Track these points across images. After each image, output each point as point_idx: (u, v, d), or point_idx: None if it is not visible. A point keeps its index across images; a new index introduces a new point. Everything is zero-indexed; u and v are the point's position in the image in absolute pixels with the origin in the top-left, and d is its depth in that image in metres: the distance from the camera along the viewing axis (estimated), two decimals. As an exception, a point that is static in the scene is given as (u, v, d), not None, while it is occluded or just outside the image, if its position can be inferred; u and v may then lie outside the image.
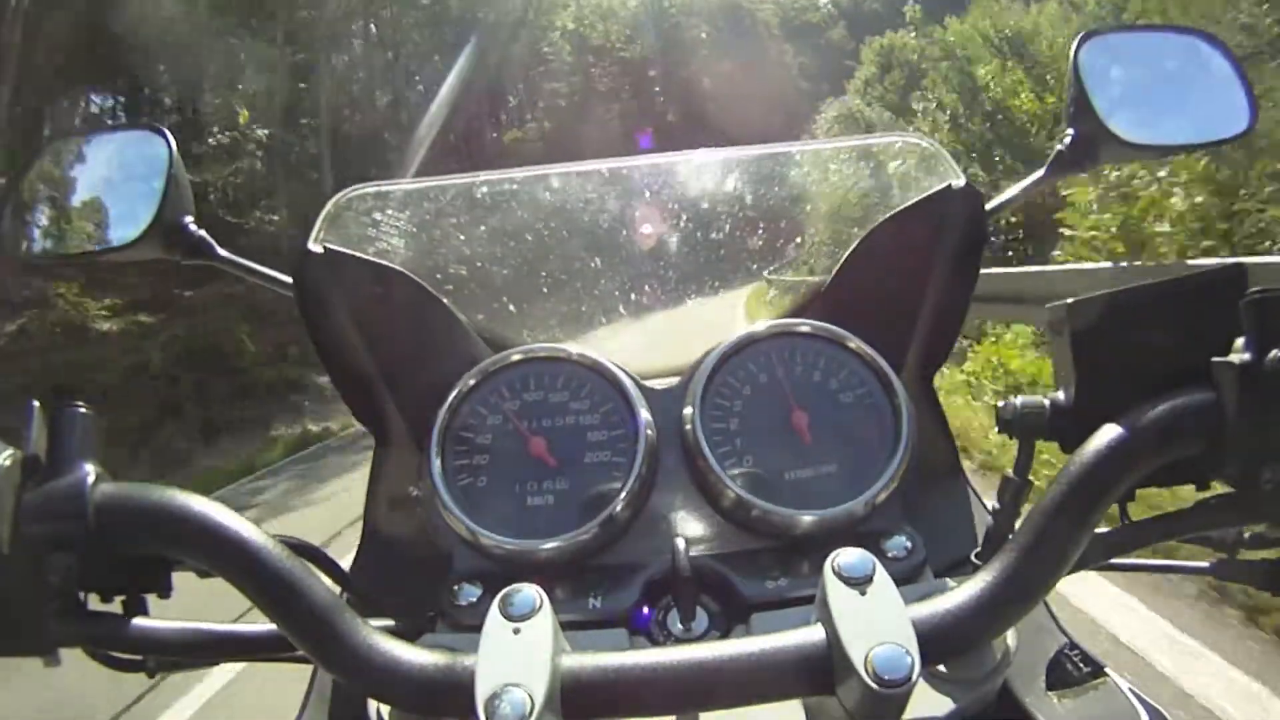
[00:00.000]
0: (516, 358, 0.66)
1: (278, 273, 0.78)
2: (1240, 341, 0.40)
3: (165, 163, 0.73)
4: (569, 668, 0.39)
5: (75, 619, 0.40)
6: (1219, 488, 0.45)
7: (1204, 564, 0.50)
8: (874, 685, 0.37)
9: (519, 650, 0.39)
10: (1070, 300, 0.44)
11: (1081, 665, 0.54)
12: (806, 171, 0.89)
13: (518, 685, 0.37)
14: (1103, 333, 0.44)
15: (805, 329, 0.65)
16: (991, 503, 0.54)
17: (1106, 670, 0.56)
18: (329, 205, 0.73)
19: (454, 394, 0.64)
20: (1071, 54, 0.74)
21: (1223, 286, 0.42)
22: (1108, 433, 0.40)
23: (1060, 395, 0.46)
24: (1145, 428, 0.40)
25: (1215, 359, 0.41)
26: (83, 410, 0.41)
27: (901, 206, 0.72)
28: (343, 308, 0.72)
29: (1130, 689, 0.60)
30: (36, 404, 0.40)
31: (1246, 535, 0.47)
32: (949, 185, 0.68)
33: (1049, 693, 0.54)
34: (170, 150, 0.73)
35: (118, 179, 0.82)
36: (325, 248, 0.67)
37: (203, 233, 0.74)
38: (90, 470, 0.39)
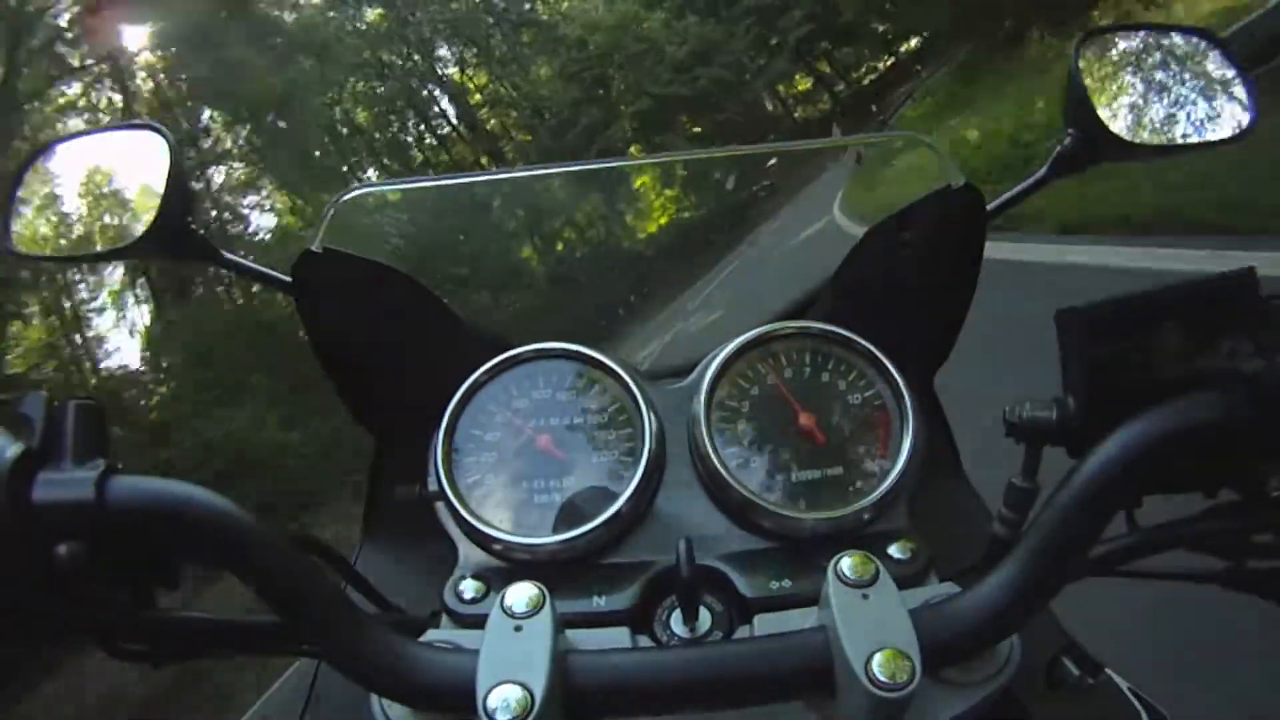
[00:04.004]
0: (525, 355, 0.66)
1: (278, 273, 0.78)
2: (1250, 347, 0.40)
3: (165, 162, 0.72)
4: (569, 666, 0.40)
5: (83, 609, 0.40)
6: (1228, 495, 0.45)
7: (1212, 572, 0.50)
8: (874, 689, 0.37)
9: (520, 647, 0.39)
10: (1080, 305, 0.44)
11: (1081, 665, 0.54)
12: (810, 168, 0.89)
13: (518, 682, 0.37)
14: (1111, 337, 0.44)
15: (815, 330, 0.65)
16: (997, 508, 0.54)
17: (1106, 670, 0.56)
18: (330, 205, 0.73)
19: (461, 390, 0.64)
20: (1071, 53, 0.74)
21: (1233, 291, 0.42)
22: (1115, 439, 0.40)
23: (1068, 400, 0.46)
24: (1153, 434, 0.40)
25: (1224, 365, 0.41)
26: (91, 402, 0.41)
27: (901, 206, 0.72)
28: (342, 307, 0.72)
29: (1130, 689, 0.60)
30: (45, 395, 0.40)
31: (1255, 543, 0.47)
32: (949, 185, 0.68)
33: (1049, 692, 0.54)
34: (171, 149, 0.73)
35: (118, 178, 0.82)
36: (325, 248, 0.67)
37: (203, 233, 0.74)
38: (100, 461, 0.39)
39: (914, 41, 30.42)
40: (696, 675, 0.40)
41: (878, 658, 0.37)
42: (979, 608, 0.40)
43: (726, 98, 31.77)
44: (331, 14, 29.98)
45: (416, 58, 32.92)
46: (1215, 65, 0.79)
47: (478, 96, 35.24)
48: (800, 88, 35.71)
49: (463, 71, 34.91)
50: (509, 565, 0.58)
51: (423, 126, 33.72)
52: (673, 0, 32.98)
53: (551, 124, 32.14)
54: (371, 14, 31.84)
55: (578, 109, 31.81)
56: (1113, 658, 0.58)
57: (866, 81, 33.27)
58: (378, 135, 31.89)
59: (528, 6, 35.43)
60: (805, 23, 29.41)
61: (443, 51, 34.29)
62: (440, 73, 34.17)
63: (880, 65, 33.60)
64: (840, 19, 27.70)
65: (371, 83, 30.69)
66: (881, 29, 31.32)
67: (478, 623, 0.45)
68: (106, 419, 0.42)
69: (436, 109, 34.19)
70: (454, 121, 34.17)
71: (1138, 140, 0.73)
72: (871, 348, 0.63)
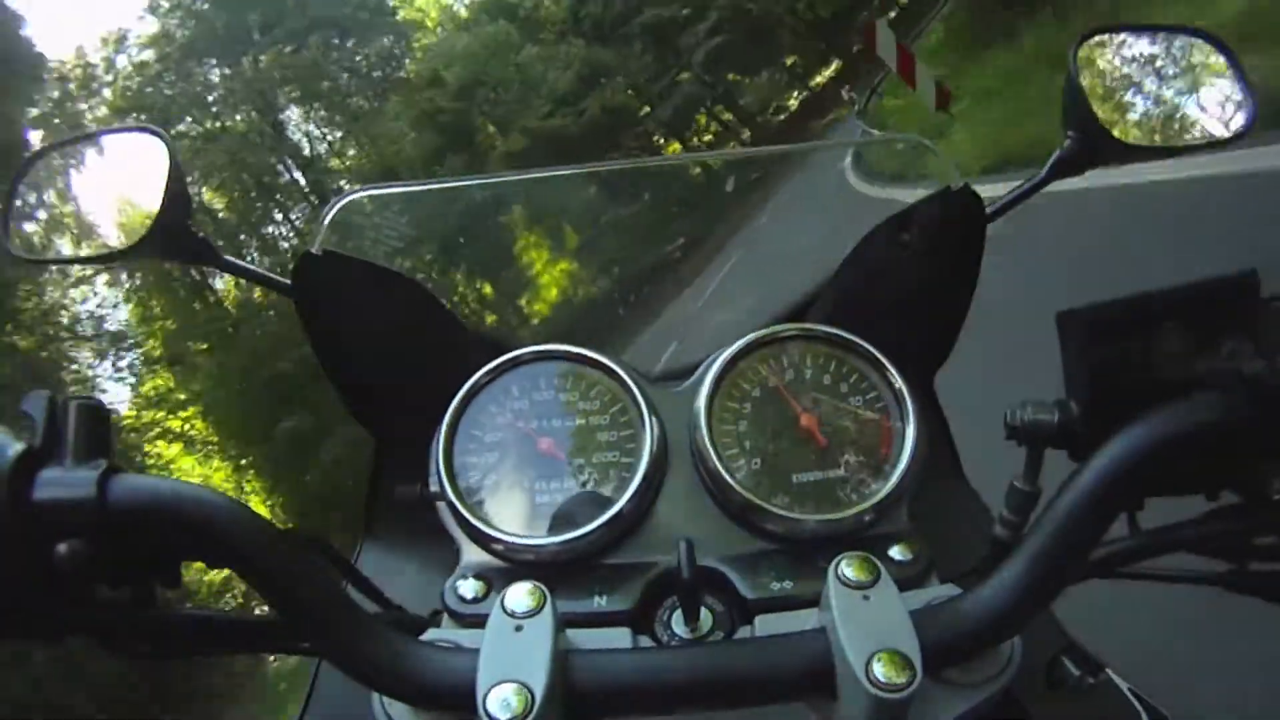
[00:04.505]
0: (526, 356, 0.66)
1: (277, 275, 0.78)
2: (1251, 348, 0.40)
3: (164, 164, 0.73)
4: (570, 665, 0.40)
5: (84, 607, 0.40)
6: (1229, 497, 0.45)
7: (1213, 574, 0.50)
8: (875, 690, 0.37)
9: (520, 647, 0.40)
10: (1080, 306, 0.44)
11: (1081, 665, 0.54)
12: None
13: (518, 682, 0.37)
14: (1113, 339, 0.44)
15: (816, 332, 0.66)
16: (998, 509, 0.54)
17: (1107, 670, 0.56)
18: (329, 208, 0.73)
19: (463, 391, 0.64)
20: (1070, 54, 0.74)
21: (1234, 292, 0.42)
22: (1117, 441, 0.40)
23: (1069, 402, 0.46)
24: (1155, 437, 0.40)
25: (1226, 366, 0.41)
26: (93, 402, 0.41)
27: (900, 208, 0.73)
28: (342, 310, 0.72)
29: (1130, 689, 0.60)
30: (47, 394, 0.40)
31: (1257, 545, 0.47)
32: (948, 187, 0.68)
33: (1049, 693, 0.54)
34: (170, 152, 0.73)
35: (116, 181, 0.82)
36: (324, 251, 0.68)
37: (203, 235, 0.74)
38: (101, 461, 0.39)
39: (829, 69, 27.54)
40: (697, 676, 0.40)
41: (878, 659, 0.37)
42: (980, 609, 0.40)
43: (623, 132, 26.46)
44: (169, 76, 25.85)
45: (257, 120, 27.72)
46: (1213, 65, 0.79)
47: (335, 161, 30.11)
48: (711, 132, 30.32)
49: (315, 133, 29.84)
50: (510, 565, 0.58)
51: (263, 203, 27.85)
52: (553, 23, 28.39)
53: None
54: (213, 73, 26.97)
55: (437, 159, 25.02)
56: (1113, 658, 0.58)
57: (782, 118, 29.12)
58: (238, 222, 26.67)
59: (396, 72, 30.25)
60: (712, 35, 24.57)
61: (293, 114, 29.24)
62: (287, 137, 29.00)
63: (792, 101, 29.99)
64: (752, 30, 24.17)
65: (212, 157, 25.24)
66: (790, 61, 28.32)
67: (478, 622, 0.45)
68: (109, 419, 0.42)
69: (287, 179, 28.72)
70: (307, 194, 28.43)
71: (1137, 141, 0.74)
72: (873, 349, 0.64)
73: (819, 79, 28.97)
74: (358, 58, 30.17)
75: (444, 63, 27.69)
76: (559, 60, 26.91)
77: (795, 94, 30.17)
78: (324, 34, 27.82)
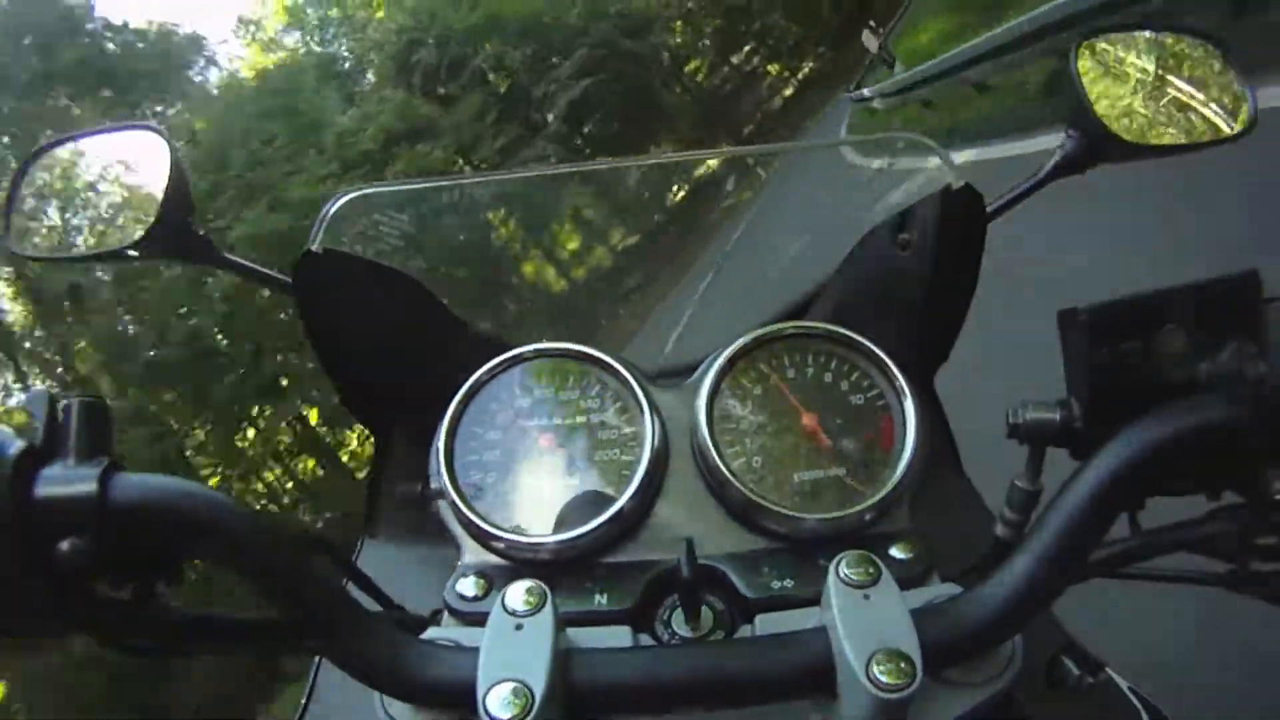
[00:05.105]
0: (527, 354, 0.66)
1: (278, 274, 0.78)
2: (1253, 349, 0.40)
3: (166, 162, 0.72)
4: (570, 664, 0.40)
5: (86, 605, 0.40)
6: (1230, 498, 0.45)
7: (1214, 574, 0.50)
8: (875, 690, 0.37)
9: (520, 646, 0.40)
10: (1082, 306, 0.44)
11: (1081, 664, 0.54)
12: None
13: (518, 680, 0.38)
14: (1115, 338, 0.44)
15: (817, 330, 0.66)
16: (999, 509, 0.54)
17: (1107, 670, 0.56)
18: (329, 206, 0.73)
19: (464, 389, 0.64)
20: (1070, 54, 0.74)
21: (1236, 293, 0.42)
22: (1118, 441, 0.40)
23: (1071, 402, 0.46)
24: (1156, 437, 0.40)
25: (1227, 367, 0.41)
26: (95, 401, 0.41)
27: (901, 207, 0.73)
28: (342, 308, 0.72)
29: (1130, 688, 0.60)
30: (48, 393, 0.40)
31: (1258, 545, 0.47)
32: (948, 186, 0.68)
33: (1049, 692, 0.54)
34: (171, 150, 0.73)
35: (118, 178, 0.82)
36: (325, 249, 0.68)
37: (204, 233, 0.74)
38: (103, 459, 0.39)
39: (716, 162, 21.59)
40: (697, 675, 0.40)
41: (879, 658, 0.38)
42: (981, 609, 0.40)
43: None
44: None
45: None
46: (1214, 65, 0.79)
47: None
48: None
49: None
50: (511, 564, 0.58)
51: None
52: (383, 69, 22.68)
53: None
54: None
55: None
56: (1113, 658, 0.58)
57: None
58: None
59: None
60: (579, 78, 19.36)
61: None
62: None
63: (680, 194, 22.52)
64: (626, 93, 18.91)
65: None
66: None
67: (479, 621, 0.46)
68: (110, 417, 0.42)
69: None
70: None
71: (1138, 140, 0.74)
72: (874, 348, 0.64)
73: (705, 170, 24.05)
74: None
75: (202, 114, 21.15)
76: (369, 111, 21.38)
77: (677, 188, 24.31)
78: (114, 92, 20.63)
